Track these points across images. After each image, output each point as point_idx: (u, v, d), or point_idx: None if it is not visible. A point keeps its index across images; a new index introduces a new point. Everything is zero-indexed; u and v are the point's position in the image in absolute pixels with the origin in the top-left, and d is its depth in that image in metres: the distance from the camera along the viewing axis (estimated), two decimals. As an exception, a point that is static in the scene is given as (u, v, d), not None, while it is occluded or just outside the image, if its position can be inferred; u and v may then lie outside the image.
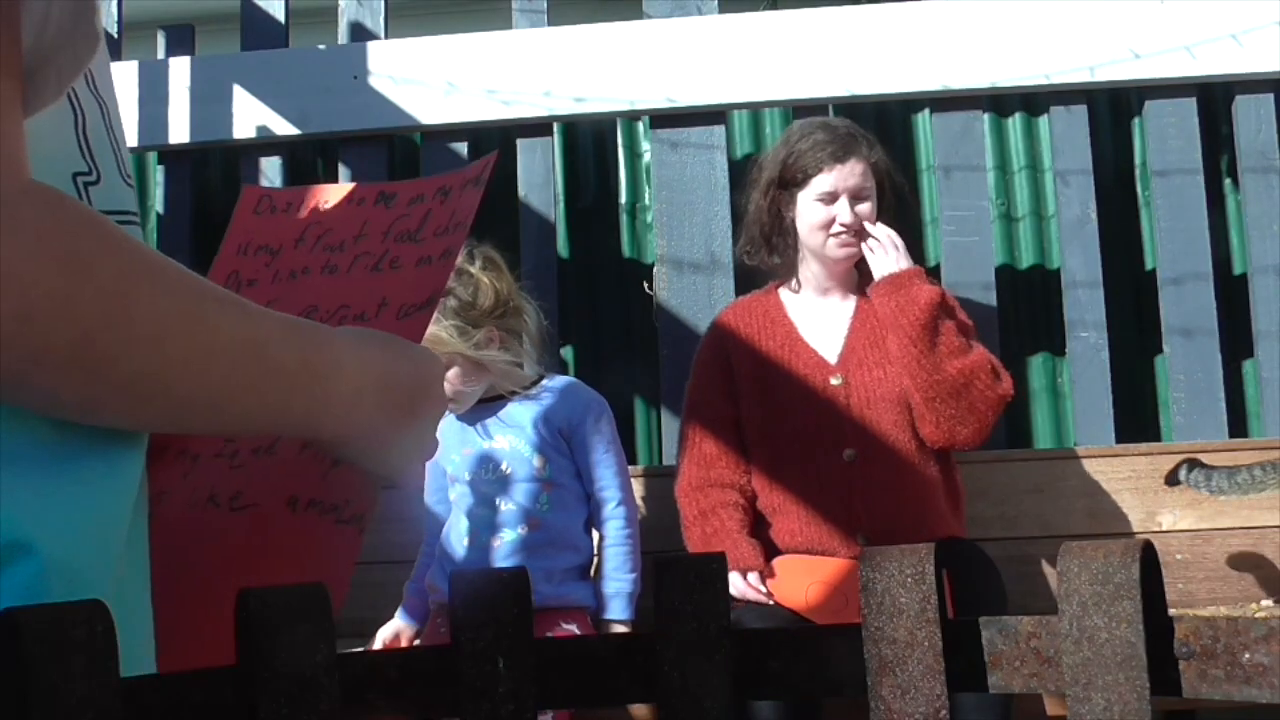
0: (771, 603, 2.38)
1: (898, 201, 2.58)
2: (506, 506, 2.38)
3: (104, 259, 0.64)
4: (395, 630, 2.43)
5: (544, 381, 2.48)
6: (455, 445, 2.45)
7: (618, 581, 2.39)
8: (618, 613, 2.37)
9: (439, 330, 2.29)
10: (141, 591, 0.76)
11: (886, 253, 2.48)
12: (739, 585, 2.35)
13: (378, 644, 2.39)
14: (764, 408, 2.49)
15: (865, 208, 2.50)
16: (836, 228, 2.48)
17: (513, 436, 2.40)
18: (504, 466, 2.39)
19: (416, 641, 2.42)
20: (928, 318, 2.41)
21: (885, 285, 2.46)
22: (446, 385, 2.33)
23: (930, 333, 2.40)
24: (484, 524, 2.39)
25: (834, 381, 2.46)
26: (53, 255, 0.61)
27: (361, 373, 0.78)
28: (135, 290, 0.65)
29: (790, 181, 2.53)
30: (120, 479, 0.72)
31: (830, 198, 2.49)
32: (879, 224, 2.50)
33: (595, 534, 2.47)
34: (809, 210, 2.51)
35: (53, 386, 0.64)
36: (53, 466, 0.67)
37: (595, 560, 2.46)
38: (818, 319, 2.56)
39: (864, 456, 2.41)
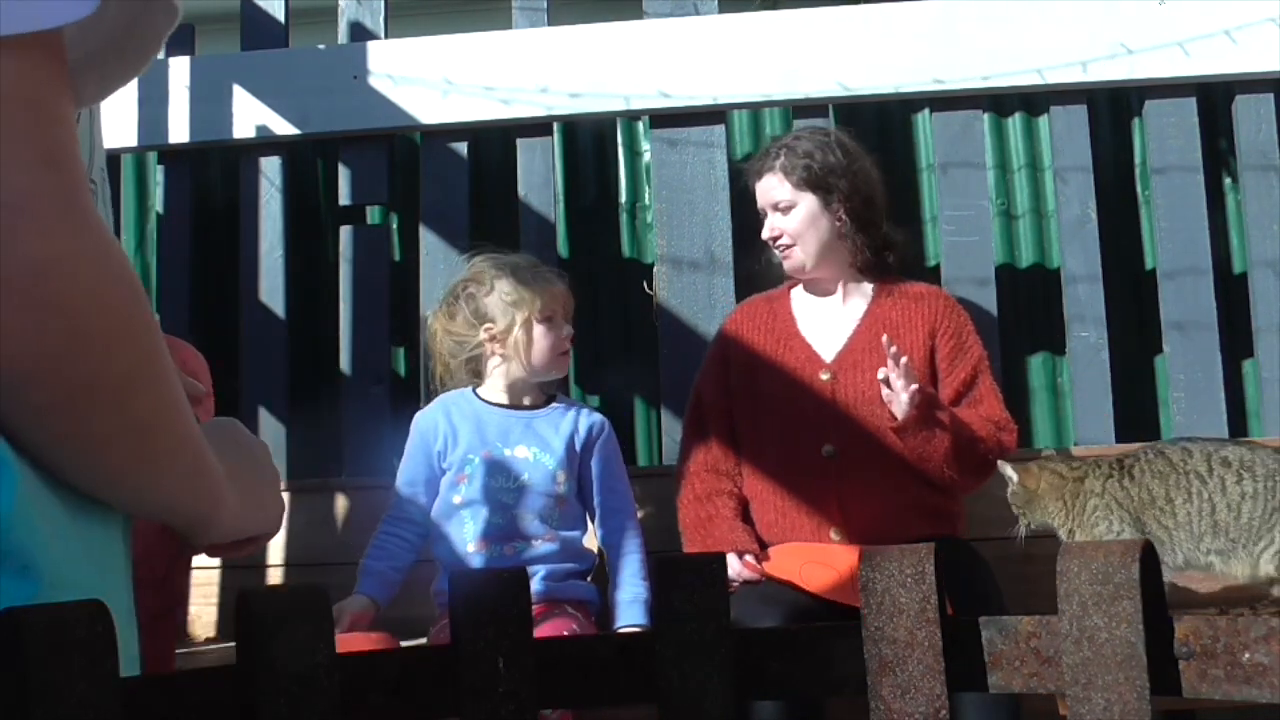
0: (764, 579, 2.38)
1: (867, 201, 2.56)
2: (521, 517, 2.37)
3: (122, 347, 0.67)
4: (340, 608, 2.32)
5: (561, 400, 2.53)
6: (474, 445, 2.42)
7: (635, 587, 2.37)
8: (636, 618, 2.34)
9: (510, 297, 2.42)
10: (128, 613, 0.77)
11: (896, 399, 2.32)
12: (735, 566, 2.37)
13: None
14: (753, 399, 2.52)
15: (782, 219, 2.54)
16: (768, 241, 2.57)
17: (536, 449, 2.41)
18: (523, 477, 2.39)
19: (411, 645, 2.41)
20: (954, 439, 2.37)
21: (914, 425, 2.34)
22: (565, 340, 2.45)
23: (955, 447, 2.37)
24: (495, 532, 2.37)
25: (823, 377, 2.47)
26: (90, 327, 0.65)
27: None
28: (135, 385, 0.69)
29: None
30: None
31: (764, 212, 2.59)
32: (898, 371, 2.31)
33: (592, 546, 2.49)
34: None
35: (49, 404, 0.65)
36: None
37: (594, 569, 2.46)
38: (822, 317, 2.57)
39: (844, 453, 2.42)
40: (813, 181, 2.52)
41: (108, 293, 0.65)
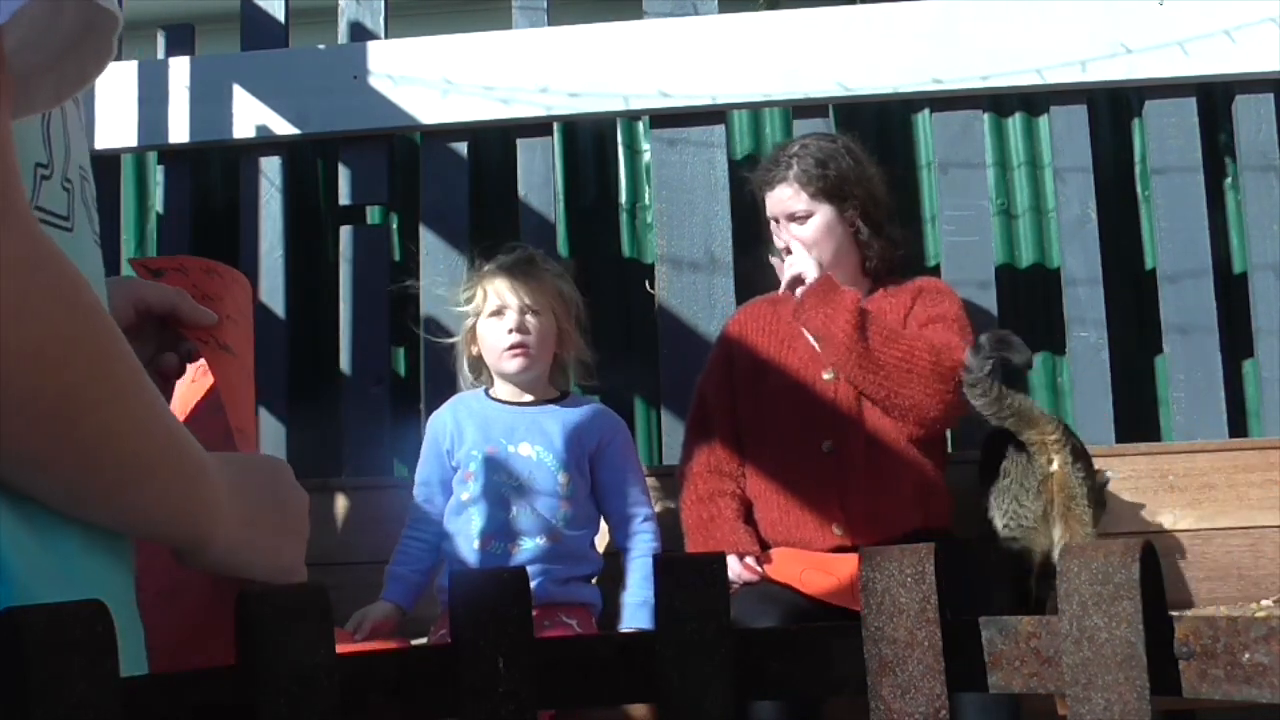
0: (763, 581, 2.38)
1: (879, 206, 2.57)
2: (524, 515, 2.36)
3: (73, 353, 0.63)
4: (363, 614, 2.36)
5: (572, 397, 2.51)
6: (478, 441, 2.42)
7: (643, 591, 2.36)
8: (640, 621, 2.33)
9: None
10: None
11: (798, 264, 2.45)
12: (735, 568, 2.38)
13: (350, 625, 2.34)
14: (756, 400, 2.53)
15: (799, 228, 2.52)
16: (782, 251, 2.55)
17: (540, 448, 2.40)
18: (526, 475, 2.38)
19: (428, 640, 2.41)
20: (857, 320, 2.39)
21: (810, 297, 2.41)
22: (511, 335, 2.38)
23: (861, 333, 2.38)
24: (497, 530, 2.36)
25: (825, 376, 2.48)
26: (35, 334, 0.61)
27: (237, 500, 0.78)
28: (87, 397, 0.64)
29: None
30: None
31: (775, 222, 2.57)
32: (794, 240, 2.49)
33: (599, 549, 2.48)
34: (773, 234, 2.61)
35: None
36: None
37: (601, 571, 2.46)
38: None
39: (843, 449, 2.43)
40: (829, 191, 2.51)
41: (33, 307, 0.60)
